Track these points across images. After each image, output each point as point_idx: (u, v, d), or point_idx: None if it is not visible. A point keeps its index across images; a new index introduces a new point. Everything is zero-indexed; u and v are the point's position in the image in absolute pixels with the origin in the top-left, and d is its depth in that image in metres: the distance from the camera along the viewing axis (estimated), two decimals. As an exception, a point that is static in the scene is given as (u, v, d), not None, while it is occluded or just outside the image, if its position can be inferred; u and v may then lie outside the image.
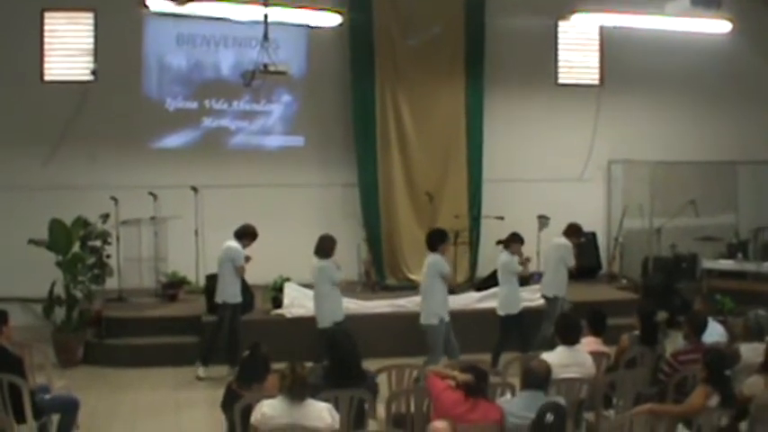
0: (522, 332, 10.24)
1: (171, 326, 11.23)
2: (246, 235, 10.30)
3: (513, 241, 10.37)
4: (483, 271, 13.27)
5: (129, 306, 11.92)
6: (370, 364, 7.10)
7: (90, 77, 12.94)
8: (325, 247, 9.81)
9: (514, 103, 14.29)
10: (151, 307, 11.93)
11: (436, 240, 9.74)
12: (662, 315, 10.13)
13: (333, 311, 9.83)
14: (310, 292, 10.33)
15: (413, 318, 10.08)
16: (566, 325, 7.50)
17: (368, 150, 13.52)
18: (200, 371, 10.26)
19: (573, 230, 10.86)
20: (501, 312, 10.25)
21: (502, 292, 10.34)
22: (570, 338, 7.35)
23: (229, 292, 10.25)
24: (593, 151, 14.71)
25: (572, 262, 10.71)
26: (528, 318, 10.49)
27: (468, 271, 13.50)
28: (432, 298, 9.63)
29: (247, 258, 10.26)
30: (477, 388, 6.17)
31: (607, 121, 14.70)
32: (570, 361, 7.17)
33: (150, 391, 9.86)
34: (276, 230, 12.83)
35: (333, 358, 6.78)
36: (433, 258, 9.64)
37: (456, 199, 13.74)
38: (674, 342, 8.85)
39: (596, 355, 7.55)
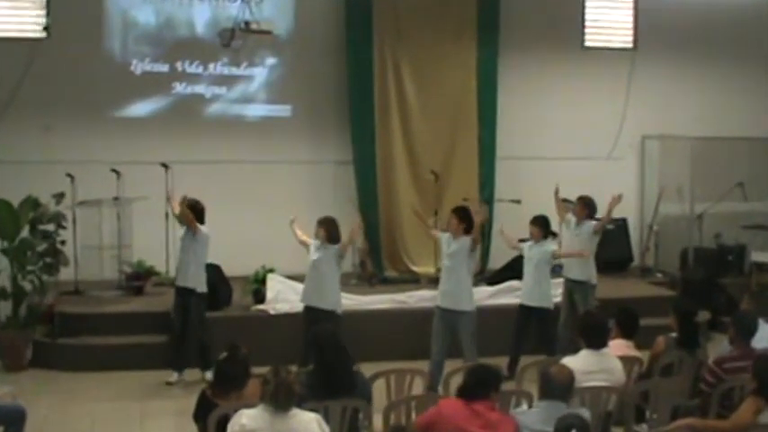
0: (548, 332, 10.30)
1: (136, 323, 11.22)
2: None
3: (535, 224, 10.46)
4: (496, 262, 13.29)
5: (87, 300, 11.90)
6: (365, 369, 7.08)
7: (42, 34, 12.89)
8: (337, 232, 9.87)
9: (533, 70, 14.28)
10: (113, 301, 11.92)
11: (471, 220, 9.72)
12: (703, 315, 10.12)
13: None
14: (298, 285, 10.31)
15: (415, 315, 10.06)
16: (591, 325, 7.49)
17: (365, 122, 13.51)
18: (172, 376, 10.27)
19: (583, 205, 10.90)
20: (531, 303, 10.32)
21: (531, 282, 10.41)
22: (596, 341, 7.34)
23: (195, 279, 10.23)
24: (625, 125, 14.71)
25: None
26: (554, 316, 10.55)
27: (479, 262, 13.45)
28: (466, 281, 9.65)
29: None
30: (479, 389, 6.14)
31: (641, 91, 14.69)
32: (596, 367, 7.16)
33: (111, 400, 9.84)
34: (258, 214, 12.85)
35: (320, 362, 6.77)
36: (467, 241, 9.60)
37: (465, 179, 13.75)
38: (718, 346, 8.85)
39: (627, 361, 7.55)
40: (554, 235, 11.15)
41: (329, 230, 9.82)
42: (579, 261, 10.71)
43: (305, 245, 10.04)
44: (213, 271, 10.95)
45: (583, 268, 10.75)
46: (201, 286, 10.24)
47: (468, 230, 9.59)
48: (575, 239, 10.90)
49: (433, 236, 10.30)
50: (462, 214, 9.71)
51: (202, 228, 10.16)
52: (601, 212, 10.91)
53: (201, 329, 10.22)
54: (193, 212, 10.12)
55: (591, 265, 10.81)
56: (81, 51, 12.93)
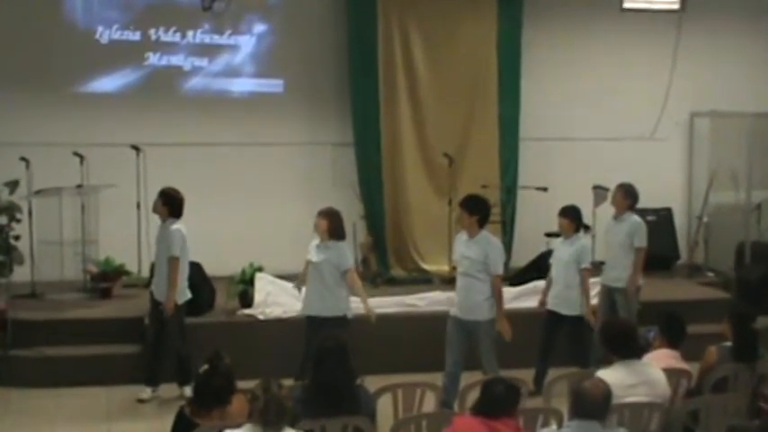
0: (582, 340, 10.28)
1: (103, 331, 11.19)
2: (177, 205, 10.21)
3: (565, 216, 10.39)
4: (519, 259, 13.28)
5: (46, 305, 11.89)
6: (369, 382, 7.05)
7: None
8: (341, 227, 9.80)
9: (563, 37, 14.29)
10: (76, 306, 11.91)
11: (486, 210, 9.65)
12: (763, 321, 10.07)
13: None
14: (289, 285, 10.28)
15: (426, 321, 10.03)
16: (614, 334, 7.46)
17: (368, 99, 13.53)
18: (145, 392, 10.26)
19: (624, 193, 10.83)
20: (561, 310, 10.29)
21: (561, 285, 10.37)
22: (627, 350, 7.31)
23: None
24: (670, 100, 14.69)
25: (642, 242, 10.71)
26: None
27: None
28: (484, 287, 9.57)
29: None
30: (496, 405, 6.12)
31: (689, 60, 14.67)
32: (637, 379, 7.13)
33: (73, 421, 9.81)
34: (245, 204, 12.85)
35: (316, 375, 6.74)
36: (496, 245, 9.56)
37: (484, 163, 13.77)
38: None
39: (672, 374, 7.52)
40: (587, 228, 11.09)
41: (332, 224, 9.69)
42: (620, 258, 10.68)
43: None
44: (193, 270, 10.93)
45: (625, 267, 10.72)
46: (182, 295, 10.22)
47: (483, 222, 9.49)
48: (613, 237, 10.85)
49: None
50: (472, 205, 9.51)
51: (177, 224, 10.11)
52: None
53: (180, 341, 10.20)
54: (169, 205, 10.09)
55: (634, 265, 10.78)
56: (37, 16, 12.95)
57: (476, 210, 9.45)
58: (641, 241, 10.70)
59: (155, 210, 10.26)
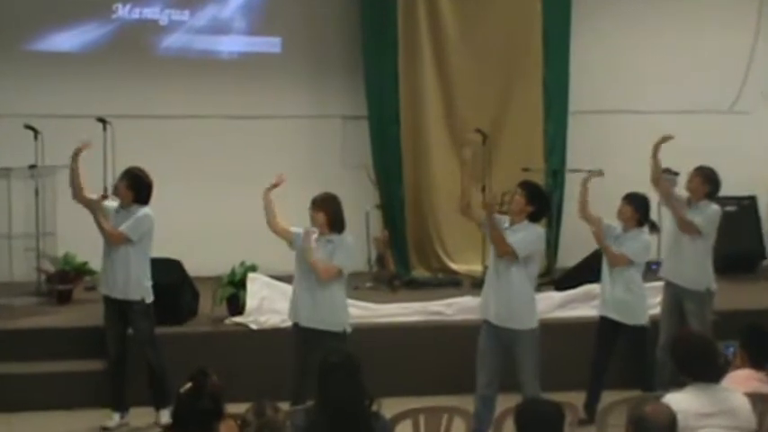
0: (643, 357, 10.26)
1: (62, 343, 11.21)
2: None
3: (629, 203, 10.34)
4: (568, 258, 13.33)
5: (-8, 311, 11.96)
6: (385, 407, 7.03)
7: None
8: (341, 215, 9.69)
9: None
10: (27, 313, 11.96)
11: (545, 207, 9.63)
12: None
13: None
14: (288, 288, 10.27)
15: (454, 332, 10.02)
16: (693, 350, 7.42)
17: (384, 64, 13.61)
18: (112, 418, 10.27)
19: (703, 178, 10.77)
20: (618, 317, 10.27)
21: (618, 288, 10.33)
22: (705, 371, 7.28)
23: (134, 285, 10.16)
24: (754, 66, 14.73)
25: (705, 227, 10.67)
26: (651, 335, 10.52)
27: (545, 258, 13.43)
28: (524, 287, 9.51)
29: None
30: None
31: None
32: (715, 407, 7.09)
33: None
34: (235, 190, 12.86)
35: (323, 397, 6.73)
36: (535, 230, 9.53)
37: (524, 142, 13.90)
38: None
39: (757, 400, 7.48)
40: (654, 227, 10.99)
41: (332, 214, 9.60)
42: (691, 257, 10.62)
43: (286, 237, 9.76)
44: (172, 269, 10.95)
45: (696, 268, 10.66)
46: (146, 293, 10.18)
47: (535, 217, 9.46)
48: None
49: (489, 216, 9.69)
50: (533, 193, 9.48)
51: (144, 209, 10.03)
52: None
53: (153, 352, 10.19)
54: (136, 190, 10.00)
55: (707, 263, 10.73)
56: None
57: (535, 199, 9.39)
58: (701, 221, 10.59)
59: (117, 193, 10.14)
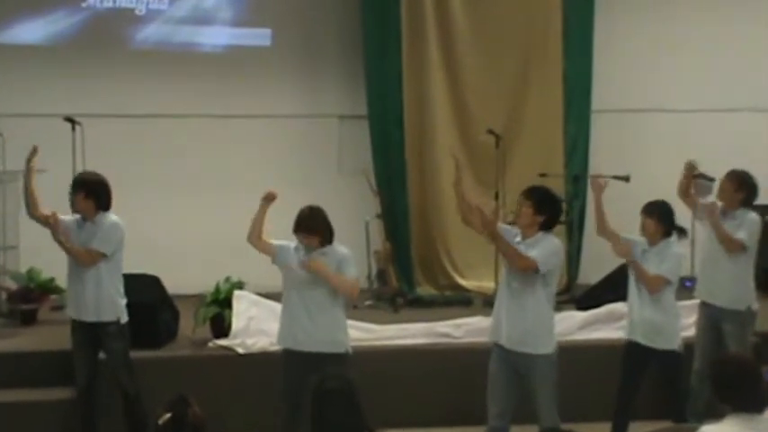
0: (675, 384, 10.27)
1: (25, 370, 11.21)
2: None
3: (650, 215, 10.30)
4: (591, 274, 13.36)
5: (-53, 334, 11.99)
6: (386, 439, 7.11)
7: None
8: (330, 226, 9.64)
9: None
10: (-11, 334, 12.00)
11: (556, 211, 9.64)
12: None
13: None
14: (278, 307, 10.32)
15: (464, 356, 10.02)
16: (736, 375, 7.46)
17: (386, 57, 13.64)
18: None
19: (737, 183, 10.78)
20: (647, 341, 10.27)
21: (646, 307, 10.33)
22: (747, 400, 7.32)
23: (106, 305, 10.16)
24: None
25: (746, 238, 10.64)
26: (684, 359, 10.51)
27: (566, 274, 13.52)
28: (539, 306, 9.50)
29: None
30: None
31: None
32: (755, 441, 7.15)
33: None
34: (220, 198, 12.90)
35: (318, 428, 6.78)
36: (552, 242, 9.55)
37: (542, 144, 13.94)
38: None
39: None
40: (682, 232, 10.97)
41: (325, 233, 9.46)
42: (729, 274, 10.62)
43: (268, 251, 9.64)
44: (149, 287, 10.98)
45: (736, 285, 10.68)
46: (121, 312, 10.20)
47: (548, 225, 9.43)
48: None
49: (492, 233, 9.95)
50: (541, 199, 9.35)
51: (110, 217, 9.92)
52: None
53: (127, 377, 10.21)
54: (95, 197, 9.84)
55: (748, 279, 10.75)
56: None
57: (544, 208, 9.25)
58: (746, 237, 10.52)
59: (75, 208, 9.93)
